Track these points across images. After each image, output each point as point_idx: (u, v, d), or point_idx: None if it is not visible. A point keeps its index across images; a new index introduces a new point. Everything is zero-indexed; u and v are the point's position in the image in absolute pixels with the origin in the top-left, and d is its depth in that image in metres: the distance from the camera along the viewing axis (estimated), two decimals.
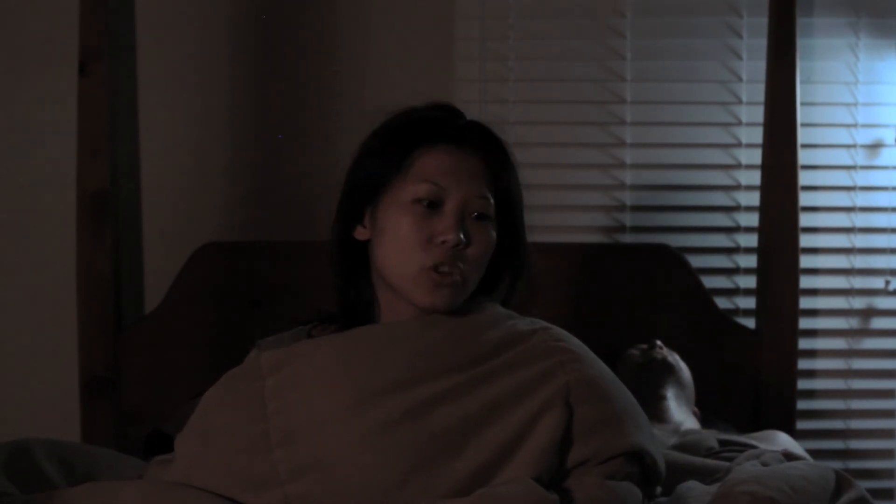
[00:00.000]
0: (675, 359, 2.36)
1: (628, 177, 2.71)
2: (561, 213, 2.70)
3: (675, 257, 2.61)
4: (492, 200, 1.56)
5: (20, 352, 2.67)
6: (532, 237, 2.70)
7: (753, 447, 1.98)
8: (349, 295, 1.63)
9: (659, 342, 2.38)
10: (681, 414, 2.28)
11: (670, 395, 2.29)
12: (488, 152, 1.59)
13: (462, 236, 1.51)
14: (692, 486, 1.66)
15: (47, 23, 2.63)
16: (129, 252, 2.66)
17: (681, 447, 2.03)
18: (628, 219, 2.71)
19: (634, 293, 2.59)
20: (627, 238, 2.71)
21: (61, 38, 2.58)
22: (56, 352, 2.64)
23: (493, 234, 1.56)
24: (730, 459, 1.88)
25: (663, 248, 2.63)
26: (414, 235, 1.51)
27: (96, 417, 2.53)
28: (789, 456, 1.77)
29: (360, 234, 1.60)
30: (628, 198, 2.71)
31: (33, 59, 2.64)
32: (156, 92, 2.68)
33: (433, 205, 1.52)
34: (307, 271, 2.57)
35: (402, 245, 1.52)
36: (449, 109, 1.63)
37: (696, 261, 2.65)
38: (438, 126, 1.58)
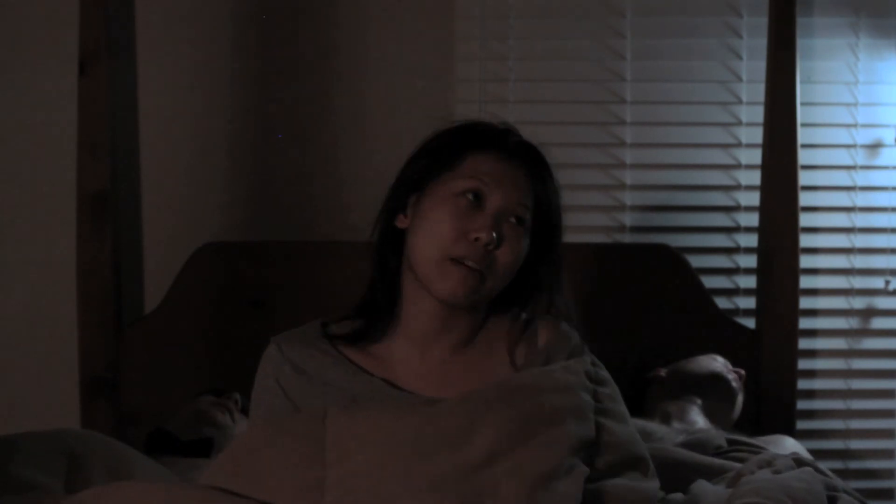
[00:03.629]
0: (739, 385, 2.41)
1: (628, 177, 2.71)
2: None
3: (675, 257, 2.61)
4: (530, 211, 1.62)
5: (20, 352, 2.67)
6: None
7: (762, 448, 1.98)
8: (378, 288, 1.66)
9: (743, 372, 2.44)
10: (703, 423, 2.31)
11: (703, 405, 2.34)
12: (534, 169, 1.65)
13: (495, 236, 1.56)
14: (706, 488, 1.67)
15: (47, 23, 2.63)
16: (129, 252, 2.66)
17: (688, 445, 2.03)
18: (628, 219, 2.71)
19: (634, 293, 2.59)
20: (627, 238, 2.71)
21: (61, 38, 2.58)
22: (56, 352, 2.63)
23: (526, 243, 1.62)
24: (738, 459, 1.89)
25: (663, 248, 2.63)
26: (450, 224, 1.56)
27: (96, 417, 2.52)
28: (800, 462, 1.77)
29: (401, 221, 1.65)
30: (628, 198, 2.71)
31: (33, 59, 2.64)
32: (156, 92, 2.68)
33: (476, 200, 1.58)
34: (307, 271, 2.59)
35: (437, 232, 1.57)
36: (505, 127, 1.70)
37: (696, 261, 2.65)
38: (492, 135, 1.66)
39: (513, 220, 1.59)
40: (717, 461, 1.90)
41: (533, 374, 1.55)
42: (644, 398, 2.42)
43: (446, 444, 1.40)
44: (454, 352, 1.65)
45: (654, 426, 2.20)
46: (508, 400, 1.47)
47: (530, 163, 1.65)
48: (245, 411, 2.33)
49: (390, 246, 1.65)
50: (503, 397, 1.47)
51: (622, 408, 1.63)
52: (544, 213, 1.65)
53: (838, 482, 1.71)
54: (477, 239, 1.55)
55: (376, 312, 1.66)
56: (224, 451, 1.53)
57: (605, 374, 1.67)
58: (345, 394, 1.61)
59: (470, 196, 1.58)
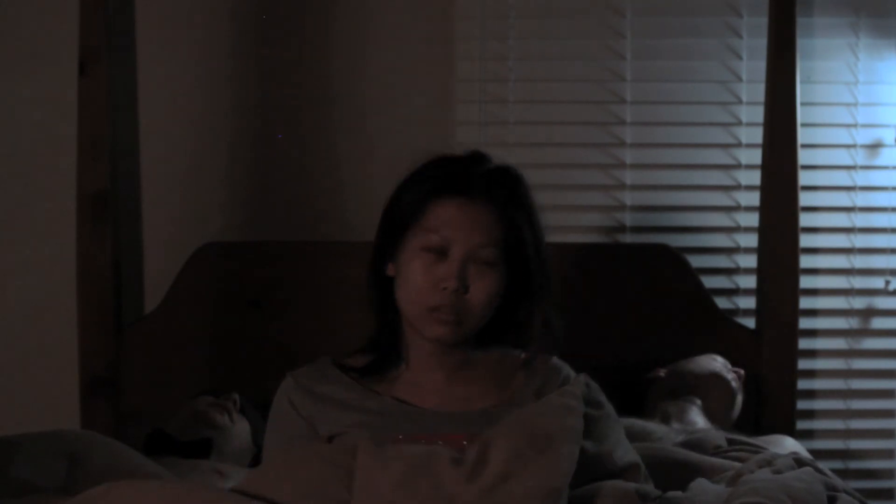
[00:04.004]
0: (739, 385, 2.42)
1: (628, 177, 2.71)
2: (561, 213, 2.70)
3: (675, 257, 2.61)
4: (499, 247, 1.71)
5: (20, 352, 2.67)
6: None
7: (761, 448, 1.98)
8: (381, 332, 1.80)
9: (742, 372, 2.45)
10: (703, 423, 2.31)
11: (702, 405, 2.34)
12: (501, 205, 1.72)
13: (462, 282, 1.68)
14: (705, 487, 1.67)
15: (47, 23, 2.63)
16: (129, 252, 2.66)
17: (687, 444, 2.04)
18: (628, 219, 2.71)
19: (634, 293, 2.59)
20: (627, 238, 2.71)
21: (61, 38, 2.58)
22: (56, 352, 2.63)
23: (498, 278, 1.72)
24: (738, 459, 1.89)
25: (663, 248, 2.63)
26: (422, 279, 1.70)
27: (96, 417, 2.52)
28: (800, 461, 1.77)
29: (390, 270, 1.77)
30: (628, 198, 2.71)
31: (33, 59, 2.64)
32: (156, 92, 2.68)
33: (441, 253, 1.70)
34: (307, 271, 2.59)
35: (412, 286, 1.70)
36: (474, 159, 1.78)
37: (696, 261, 2.65)
38: (454, 177, 1.73)
39: (480, 263, 1.70)
40: (717, 461, 1.90)
41: (535, 405, 1.63)
42: (644, 398, 2.42)
43: (465, 473, 1.45)
44: (456, 370, 1.78)
45: (653, 426, 2.21)
46: (515, 427, 1.53)
47: (497, 198, 1.72)
48: (244, 412, 2.33)
49: (385, 291, 1.77)
50: (511, 425, 1.53)
51: (608, 428, 1.70)
52: (515, 247, 1.72)
53: (838, 482, 1.71)
54: (445, 288, 1.68)
55: (382, 350, 1.79)
56: (253, 469, 1.60)
57: (599, 397, 1.74)
58: (358, 412, 1.71)
59: (434, 251, 1.69)
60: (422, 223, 1.71)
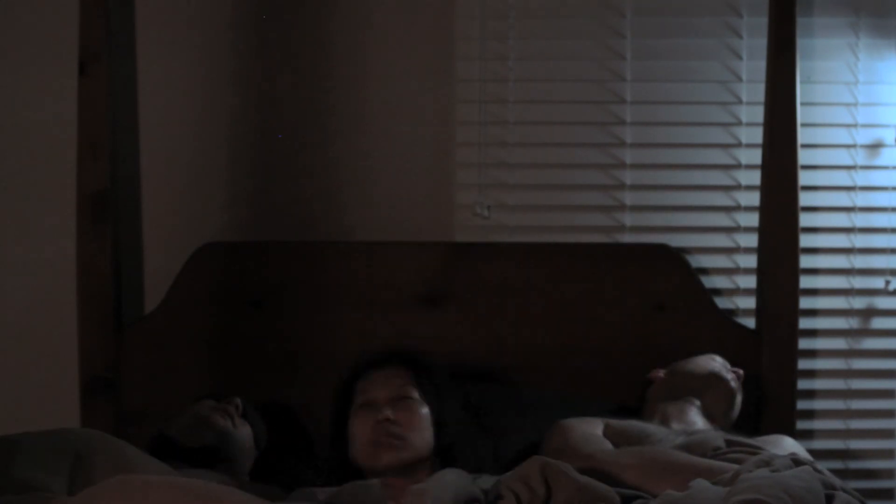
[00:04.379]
0: (738, 385, 2.40)
1: (628, 177, 2.71)
2: (561, 213, 2.70)
3: (675, 257, 2.61)
4: (417, 388, 2.17)
5: (20, 352, 2.67)
6: (533, 237, 2.72)
7: (760, 449, 1.98)
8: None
9: (741, 371, 2.43)
10: (702, 424, 2.31)
11: (701, 405, 2.34)
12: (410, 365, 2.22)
13: (391, 412, 2.10)
14: (704, 487, 1.66)
15: (47, 23, 2.63)
16: (129, 252, 2.66)
17: (687, 446, 2.03)
18: (628, 219, 2.71)
19: (634, 293, 2.59)
20: (627, 238, 2.71)
21: (61, 38, 2.58)
22: (56, 352, 2.63)
23: (423, 410, 2.15)
24: (737, 461, 1.89)
25: (663, 248, 2.63)
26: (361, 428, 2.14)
27: (96, 417, 2.52)
28: (798, 462, 1.76)
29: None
30: (628, 198, 2.71)
31: (33, 58, 2.64)
32: (156, 92, 2.68)
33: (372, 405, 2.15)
34: (307, 271, 2.59)
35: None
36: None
37: (696, 261, 2.65)
38: (370, 363, 2.23)
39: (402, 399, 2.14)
40: (716, 463, 1.90)
41: None
42: (643, 400, 2.42)
43: None
44: None
45: (653, 428, 2.20)
46: None
47: (405, 361, 2.21)
48: (246, 416, 2.32)
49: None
50: None
51: None
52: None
53: (836, 481, 1.70)
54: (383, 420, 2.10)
55: None
56: None
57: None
58: None
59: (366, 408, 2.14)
60: (357, 394, 2.22)
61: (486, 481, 1.74)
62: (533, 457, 1.72)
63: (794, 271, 2.56)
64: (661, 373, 2.44)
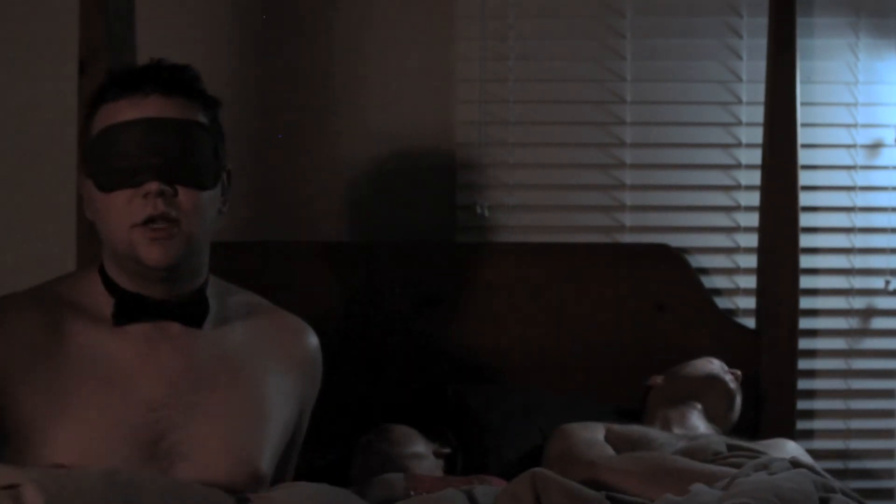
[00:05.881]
0: (737, 386, 2.39)
1: (628, 177, 2.71)
2: (561, 213, 2.70)
3: (675, 257, 2.61)
4: None
5: None
6: (533, 237, 2.71)
7: (761, 453, 1.98)
8: None
9: (739, 372, 2.42)
10: (704, 427, 2.30)
11: (703, 409, 2.33)
12: None
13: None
14: (702, 491, 1.67)
15: (47, 22, 2.63)
16: None
17: (688, 451, 2.03)
18: (628, 219, 2.71)
19: (634, 293, 2.59)
20: (627, 238, 2.71)
21: (61, 38, 2.58)
22: None
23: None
24: (737, 465, 1.88)
25: (663, 248, 2.63)
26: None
27: None
28: (797, 465, 1.76)
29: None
30: (628, 198, 2.71)
31: (34, 58, 2.64)
32: None
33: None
34: (307, 271, 2.58)
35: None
36: None
37: (696, 261, 2.65)
38: None
39: None
40: (717, 468, 1.89)
41: None
42: (643, 405, 2.42)
43: None
44: None
45: (655, 433, 2.20)
46: None
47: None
48: None
49: None
50: None
51: None
52: None
53: (836, 484, 1.70)
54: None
55: None
56: None
57: None
58: None
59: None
60: None
61: (485, 492, 1.72)
62: (527, 471, 1.70)
63: (794, 271, 2.56)
64: (659, 379, 2.43)
